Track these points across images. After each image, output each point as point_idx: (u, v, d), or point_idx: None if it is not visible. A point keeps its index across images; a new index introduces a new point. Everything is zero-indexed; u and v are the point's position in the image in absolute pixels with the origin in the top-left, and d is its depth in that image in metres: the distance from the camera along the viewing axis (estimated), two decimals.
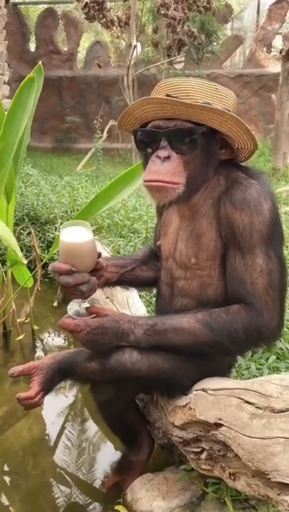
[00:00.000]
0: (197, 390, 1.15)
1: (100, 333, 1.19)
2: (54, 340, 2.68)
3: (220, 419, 0.97)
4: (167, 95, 1.09)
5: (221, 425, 0.96)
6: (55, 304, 2.93)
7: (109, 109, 10.50)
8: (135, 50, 7.30)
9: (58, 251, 1.18)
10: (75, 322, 1.20)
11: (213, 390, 1.06)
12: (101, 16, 4.41)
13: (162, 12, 5.59)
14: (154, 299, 2.32)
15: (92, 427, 1.89)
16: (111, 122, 9.08)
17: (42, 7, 12.62)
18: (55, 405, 2.00)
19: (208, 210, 1.19)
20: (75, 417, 1.96)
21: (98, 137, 7.43)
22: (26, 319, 2.61)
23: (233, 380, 1.11)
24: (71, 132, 11.00)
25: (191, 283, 1.24)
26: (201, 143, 1.10)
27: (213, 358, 1.26)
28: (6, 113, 2.05)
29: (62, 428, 1.88)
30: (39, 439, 1.81)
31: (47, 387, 1.38)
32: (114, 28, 4.73)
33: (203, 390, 1.11)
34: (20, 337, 2.48)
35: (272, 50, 11.35)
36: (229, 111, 1.09)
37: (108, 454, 1.72)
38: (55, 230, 3.25)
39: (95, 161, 7.89)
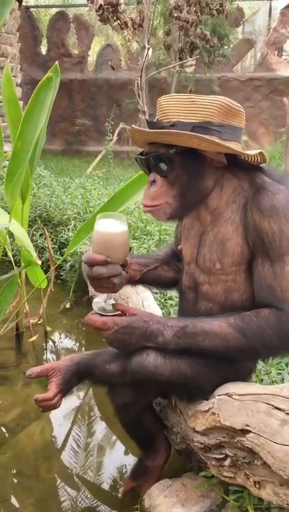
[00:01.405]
0: (220, 395, 1.12)
1: (128, 333, 1.17)
2: (66, 341, 2.66)
3: (247, 425, 0.94)
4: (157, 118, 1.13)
5: (249, 431, 0.93)
6: (68, 305, 2.91)
7: (120, 112, 10.52)
8: (140, 54, 7.30)
9: (86, 245, 1.16)
10: (102, 319, 1.18)
11: (239, 395, 1.03)
12: (115, 18, 4.41)
13: (175, 15, 5.58)
14: (169, 301, 2.32)
15: (105, 430, 1.87)
16: (121, 125, 9.09)
17: (54, 10, 12.68)
18: (68, 407, 1.98)
19: (233, 214, 1.16)
20: (88, 419, 1.94)
21: (109, 140, 7.43)
22: (39, 320, 2.59)
23: (258, 385, 1.08)
24: (81, 135, 11.04)
25: (215, 288, 1.21)
26: (179, 161, 1.11)
27: (235, 362, 1.23)
28: (22, 113, 2.04)
29: (75, 430, 1.85)
30: (52, 442, 1.79)
31: (65, 389, 1.37)
32: (127, 30, 4.72)
33: (227, 394, 1.08)
34: (33, 338, 2.46)
35: (284, 53, 11.33)
36: (210, 120, 1.07)
37: (123, 459, 1.69)
38: (68, 231, 3.23)
39: (105, 164, 7.89)
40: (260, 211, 1.09)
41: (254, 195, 1.12)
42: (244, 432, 0.95)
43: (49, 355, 2.46)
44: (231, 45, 9.63)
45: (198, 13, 5.94)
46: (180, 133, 1.06)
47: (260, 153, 1.14)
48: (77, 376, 1.39)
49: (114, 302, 1.22)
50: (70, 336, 2.72)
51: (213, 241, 1.19)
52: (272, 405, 0.90)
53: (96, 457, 1.72)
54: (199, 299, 1.27)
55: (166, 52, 7.22)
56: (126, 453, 1.71)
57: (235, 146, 1.10)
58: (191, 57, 6.43)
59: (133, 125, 1.19)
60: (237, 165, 1.17)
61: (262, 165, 1.20)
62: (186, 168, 1.13)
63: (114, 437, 1.80)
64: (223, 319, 1.12)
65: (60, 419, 1.90)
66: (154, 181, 1.14)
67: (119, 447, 1.75)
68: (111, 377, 1.30)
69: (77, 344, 2.66)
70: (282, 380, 1.54)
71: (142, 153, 1.18)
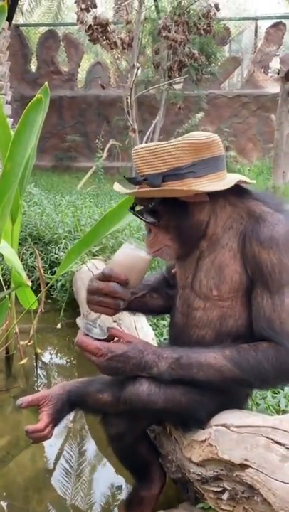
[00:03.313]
0: (217, 425, 1.09)
1: (122, 361, 1.14)
2: (57, 363, 2.61)
3: (246, 459, 0.91)
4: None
5: (248, 467, 0.90)
6: (59, 325, 2.86)
7: (110, 128, 10.57)
8: (130, 73, 7.38)
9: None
10: (96, 344, 1.15)
11: (237, 426, 1.00)
12: (104, 37, 4.46)
13: (164, 34, 5.66)
14: (162, 321, 2.29)
15: (99, 458, 1.81)
16: (111, 141, 9.14)
17: (43, 29, 12.81)
18: (60, 434, 1.92)
19: (230, 241, 1.15)
20: (81, 447, 1.88)
21: (99, 156, 7.45)
22: (29, 342, 2.54)
23: (257, 416, 1.05)
24: (71, 151, 11.06)
25: (210, 314, 1.19)
26: (163, 210, 1.13)
27: (231, 390, 1.21)
28: (11, 132, 2.02)
29: (67, 459, 1.80)
30: (44, 471, 1.73)
31: (56, 419, 1.33)
32: (116, 49, 4.77)
33: (224, 425, 1.05)
34: (24, 361, 2.41)
35: (270, 71, 11.54)
36: (179, 165, 1.08)
37: (118, 488, 1.64)
38: (59, 250, 3.20)
39: (95, 179, 7.89)
40: (259, 242, 1.08)
41: (253, 225, 1.11)
42: (243, 466, 0.92)
43: (41, 379, 2.40)
44: (219, 63, 9.76)
45: (186, 33, 6.03)
46: (147, 190, 1.10)
47: (242, 181, 1.16)
48: (68, 405, 1.35)
49: (101, 324, 1.20)
50: (61, 357, 2.67)
51: (210, 267, 1.18)
52: (271, 439, 0.88)
53: (88, 485, 1.67)
54: (191, 326, 1.25)
55: (155, 70, 7.30)
56: (121, 483, 1.65)
57: (207, 182, 1.10)
58: (179, 75, 6.51)
59: (115, 184, 1.25)
60: (231, 191, 1.16)
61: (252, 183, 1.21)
62: (172, 214, 1.15)
63: (108, 466, 1.74)
64: (218, 351, 1.10)
65: (51, 446, 1.84)
66: (149, 230, 1.19)
67: (115, 477, 1.69)
68: (104, 407, 1.27)
69: (69, 365, 2.61)
70: (278, 404, 1.51)
71: (134, 203, 1.21)
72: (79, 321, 1.24)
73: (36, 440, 1.30)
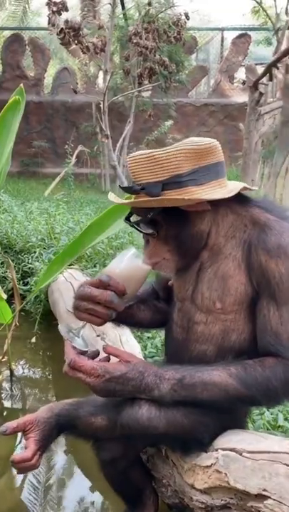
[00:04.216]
0: (225, 450, 1.01)
1: (120, 383, 1.05)
2: (33, 378, 2.48)
3: (265, 489, 0.84)
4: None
5: (267, 497, 0.83)
6: (33, 339, 2.72)
7: (77, 134, 10.46)
8: (103, 78, 7.32)
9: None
10: (92, 364, 1.05)
11: (250, 452, 0.93)
12: (76, 41, 4.37)
13: (134, 41, 5.63)
14: (146, 334, 2.20)
15: (83, 483, 1.70)
16: (80, 147, 9.02)
17: (8, 33, 12.55)
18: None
19: (233, 251, 1.09)
20: (64, 471, 1.76)
21: (68, 162, 7.34)
22: (3, 358, 2.40)
23: (271, 439, 0.98)
24: (38, 157, 10.89)
25: (212, 328, 1.12)
26: (162, 220, 1.07)
27: (234, 409, 1.14)
28: None
29: (50, 486, 1.67)
30: (25, 501, 1.60)
31: (44, 445, 1.21)
32: (89, 54, 4.69)
33: (234, 450, 0.98)
34: None
35: (235, 81, 11.77)
36: (179, 173, 1.01)
37: (91, 504, 1.53)
38: (32, 260, 3.07)
39: (64, 186, 7.75)
40: (266, 251, 1.02)
41: (258, 234, 1.05)
42: (260, 497, 0.85)
43: (17, 399, 2.26)
44: (186, 72, 9.87)
45: (157, 40, 6.03)
46: (146, 200, 1.03)
47: (244, 188, 1.10)
48: (57, 429, 1.24)
49: (83, 335, 1.13)
50: (36, 372, 2.54)
51: (212, 278, 1.11)
52: None
53: (58, 502, 1.55)
54: (192, 341, 1.17)
55: (124, 77, 7.27)
56: (110, 509, 1.55)
57: (209, 190, 1.04)
58: (150, 82, 6.49)
59: (110, 194, 1.17)
60: (233, 199, 1.09)
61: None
62: (171, 224, 1.08)
63: (94, 490, 1.63)
64: (222, 369, 1.03)
65: (32, 473, 1.71)
66: (147, 241, 1.13)
67: (102, 503, 1.58)
68: (97, 432, 1.17)
69: (45, 380, 2.48)
70: (276, 420, 1.45)
71: (130, 213, 1.13)
72: (61, 327, 1.15)
73: (23, 470, 1.19)
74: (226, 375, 1.03)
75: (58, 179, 7.99)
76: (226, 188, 1.09)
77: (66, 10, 4.23)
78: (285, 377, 1.01)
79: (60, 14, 4.20)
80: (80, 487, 1.62)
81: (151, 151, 1.05)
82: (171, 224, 1.08)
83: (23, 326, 2.85)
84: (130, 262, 1.09)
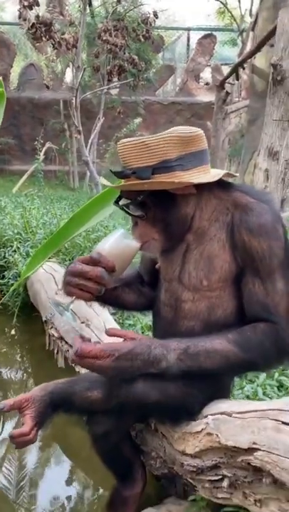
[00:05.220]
0: (215, 414, 1.10)
1: (130, 359, 1.11)
2: (12, 372, 2.49)
3: (254, 443, 0.93)
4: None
5: (256, 450, 0.92)
6: (13, 331, 2.74)
7: (45, 131, 10.37)
8: (71, 75, 7.31)
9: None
10: (100, 347, 1.11)
11: (239, 412, 1.02)
12: (48, 37, 4.37)
13: (104, 38, 5.67)
14: (127, 321, 2.27)
15: (67, 464, 1.75)
16: (48, 144, 8.96)
17: None
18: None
19: (218, 232, 1.18)
20: (48, 455, 1.80)
21: (37, 158, 7.29)
22: None
23: (258, 402, 1.07)
24: (4, 154, 10.71)
25: (199, 305, 1.20)
26: (151, 203, 1.14)
27: (220, 380, 1.23)
28: None
29: (37, 470, 1.71)
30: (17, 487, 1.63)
31: (40, 422, 1.26)
32: (60, 49, 4.69)
33: (224, 413, 1.07)
34: None
35: (201, 80, 11.99)
36: (167, 158, 1.09)
37: (95, 492, 1.60)
38: (8, 254, 3.07)
39: (32, 183, 7.69)
40: (249, 231, 1.11)
41: (241, 215, 1.14)
42: (250, 450, 0.94)
43: None
44: (154, 70, 9.99)
45: (126, 38, 6.09)
46: (137, 183, 1.10)
47: (228, 174, 1.19)
48: (51, 406, 1.29)
49: (73, 310, 1.19)
50: (16, 364, 2.55)
51: (199, 258, 1.19)
52: (280, 421, 0.90)
53: (66, 496, 1.59)
54: (180, 318, 1.25)
55: (93, 74, 7.29)
56: (97, 485, 1.61)
57: (195, 175, 1.12)
58: (119, 79, 6.54)
59: (101, 179, 1.24)
60: (215, 184, 1.18)
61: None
62: (159, 207, 1.15)
63: (78, 470, 1.69)
64: (222, 336, 1.11)
65: (18, 458, 1.75)
66: (136, 223, 1.19)
67: (88, 481, 1.64)
68: (93, 405, 1.23)
69: (23, 372, 2.49)
70: (256, 394, 1.56)
71: (119, 197, 1.19)
72: (51, 302, 1.21)
73: (22, 445, 1.23)
74: (226, 342, 1.11)
75: (25, 176, 7.92)
76: (210, 174, 1.17)
77: (37, 5, 4.23)
78: (276, 338, 1.10)
79: (31, 9, 4.20)
80: (63, 469, 1.66)
81: (141, 137, 1.12)
82: (159, 206, 1.15)
83: (1, 319, 2.86)
84: (119, 241, 1.16)
